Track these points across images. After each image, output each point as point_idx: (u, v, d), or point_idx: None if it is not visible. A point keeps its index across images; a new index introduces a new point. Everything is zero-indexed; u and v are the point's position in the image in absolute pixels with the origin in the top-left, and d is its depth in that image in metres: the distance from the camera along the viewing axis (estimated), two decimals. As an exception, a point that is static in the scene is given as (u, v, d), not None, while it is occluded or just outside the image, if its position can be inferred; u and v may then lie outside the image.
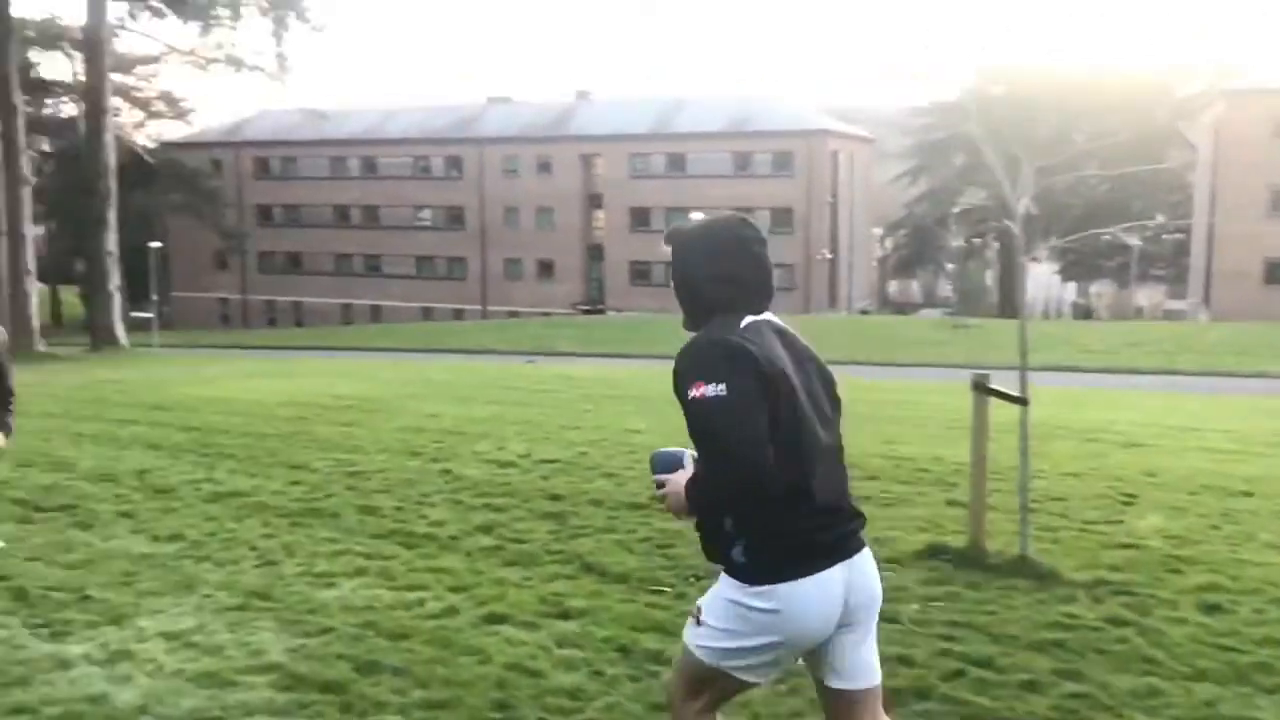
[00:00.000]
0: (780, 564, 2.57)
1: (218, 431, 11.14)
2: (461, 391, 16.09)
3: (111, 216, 28.70)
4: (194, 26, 32.07)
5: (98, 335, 29.84)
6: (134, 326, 37.16)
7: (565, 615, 4.97)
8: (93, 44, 29.35)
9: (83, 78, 52.27)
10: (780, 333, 2.70)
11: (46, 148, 52.20)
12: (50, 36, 44.67)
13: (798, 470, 2.55)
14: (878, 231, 65.93)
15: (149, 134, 61.17)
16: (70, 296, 60.90)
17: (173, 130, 65.24)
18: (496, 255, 58.58)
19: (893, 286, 73.89)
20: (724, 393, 2.46)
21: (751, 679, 2.72)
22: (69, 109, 56.32)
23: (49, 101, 55.55)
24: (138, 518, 7.13)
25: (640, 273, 55.41)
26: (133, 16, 29.91)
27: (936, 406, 14.16)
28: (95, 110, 29.66)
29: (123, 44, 41.42)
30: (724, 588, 2.66)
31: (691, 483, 2.60)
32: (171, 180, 49.14)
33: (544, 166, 57.27)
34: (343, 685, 4.13)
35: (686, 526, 6.33)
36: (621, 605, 5.08)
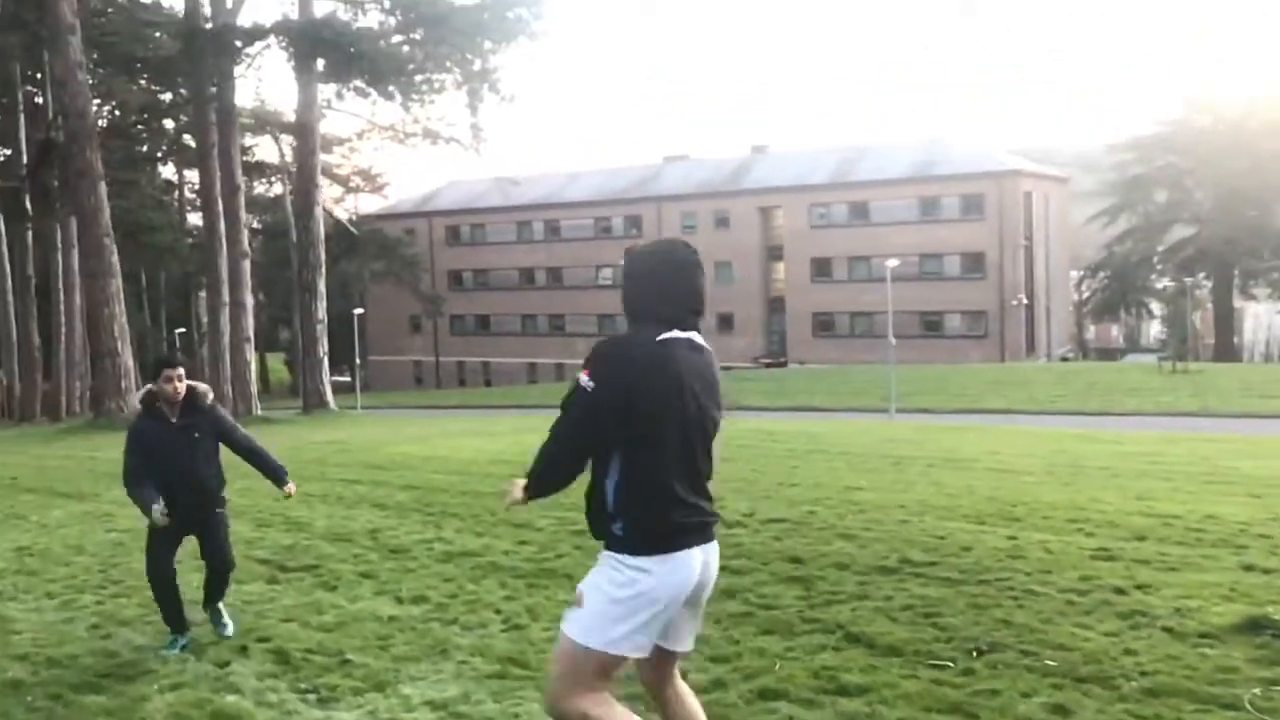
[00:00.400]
0: (654, 540, 3.05)
1: (438, 490, 11.27)
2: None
3: (321, 285, 30.32)
4: (391, 104, 33.87)
5: (309, 399, 31.40)
6: (335, 390, 39.02)
7: (844, 692, 4.56)
8: (304, 126, 31.29)
9: (289, 158, 56.31)
10: (695, 350, 3.17)
11: (256, 225, 56.09)
12: (262, 122, 48.20)
13: (671, 463, 3.08)
14: (1075, 274, 62.90)
15: (346, 208, 64.93)
16: (275, 363, 64.88)
17: (368, 203, 69.16)
18: (677, 311, 58.85)
19: (1090, 331, 70.12)
20: (591, 390, 3.02)
21: (633, 653, 3.09)
22: (275, 189, 60.61)
23: (258, 181, 59.90)
24: (378, 578, 7.13)
25: (823, 324, 54.56)
26: (340, 97, 31.71)
27: (1179, 459, 13.03)
28: (306, 186, 31.54)
29: (325, 125, 44.13)
30: (604, 565, 3.11)
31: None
32: (373, 249, 51.81)
33: (721, 221, 57.42)
34: (627, 767, 3.84)
35: (948, 593, 5.75)
36: (905, 682, 4.63)
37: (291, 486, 5.75)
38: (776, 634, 5.52)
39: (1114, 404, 27.20)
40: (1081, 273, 63.70)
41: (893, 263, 32.10)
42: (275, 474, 5.73)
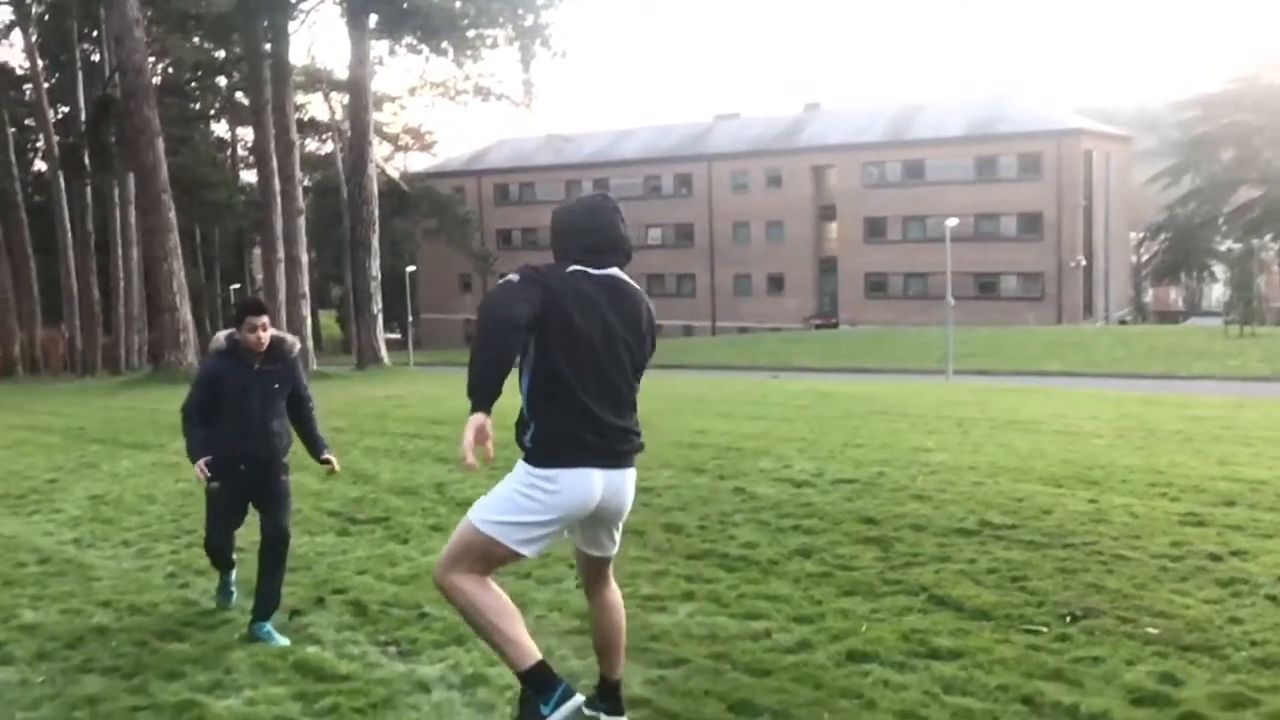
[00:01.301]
0: (556, 453, 3.25)
1: (498, 445, 11.15)
2: (717, 407, 15.79)
3: (375, 242, 30.41)
4: (442, 61, 33.69)
5: (363, 354, 31.62)
6: (387, 346, 39.27)
7: (936, 655, 4.42)
8: (356, 82, 31.24)
9: (339, 116, 56.40)
10: (611, 284, 3.40)
11: (307, 183, 56.39)
12: (313, 79, 48.28)
13: (579, 376, 3.26)
14: (1134, 236, 61.45)
15: (395, 166, 65.07)
16: (327, 320, 65.51)
17: (416, 162, 69.25)
18: (725, 271, 58.47)
19: (1148, 294, 68.60)
20: (515, 281, 3.26)
21: (524, 550, 3.33)
22: (326, 146, 60.85)
23: (309, 139, 60.16)
24: (448, 531, 7.00)
25: (876, 284, 53.85)
26: (392, 53, 31.60)
27: (1255, 423, 12.65)
28: (359, 143, 31.55)
29: (375, 83, 44.06)
30: (517, 470, 3.34)
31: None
32: (425, 207, 51.89)
33: (773, 180, 56.70)
34: (721, 727, 3.76)
35: (1032, 556, 5.58)
36: (999, 647, 4.48)
37: (334, 462, 5.26)
38: (858, 595, 5.40)
39: (1179, 367, 26.56)
40: (1141, 234, 62.17)
41: (952, 222, 31.42)
42: (317, 443, 5.27)
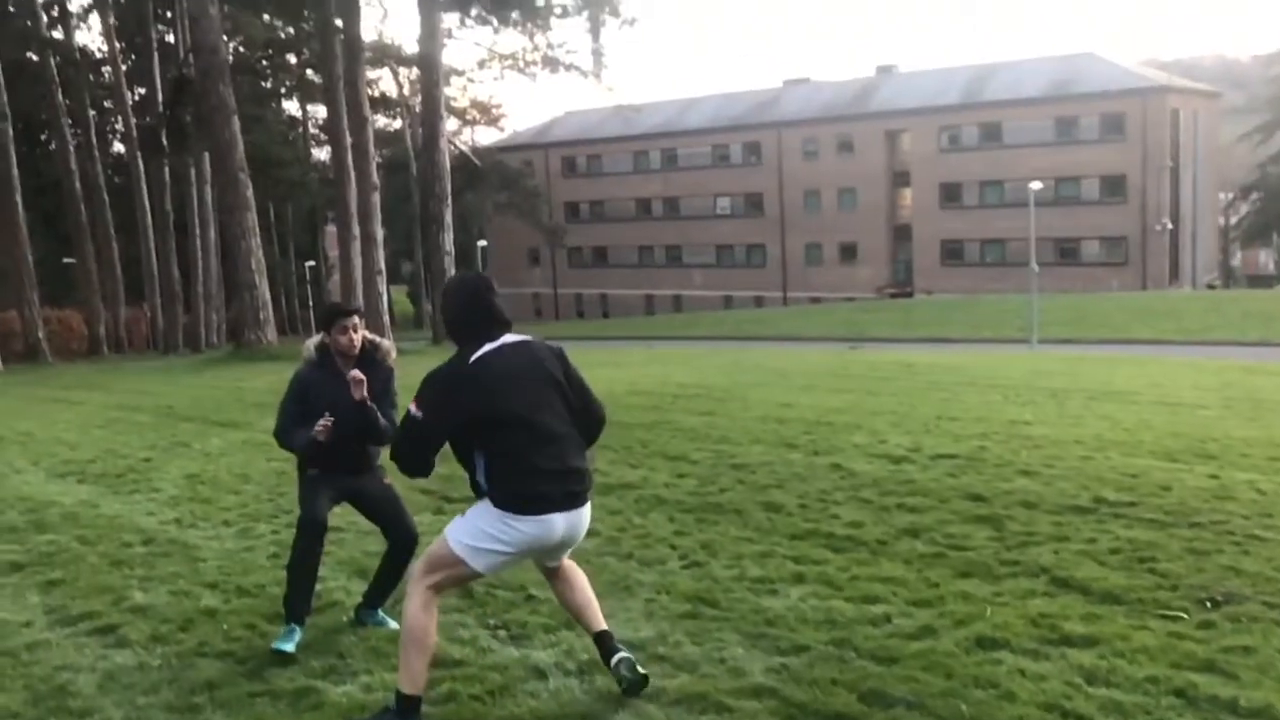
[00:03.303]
0: (520, 506, 3.64)
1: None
2: (799, 380, 15.51)
3: (448, 217, 30.47)
4: (510, 33, 33.60)
5: (438, 329, 31.79)
6: (462, 320, 39.46)
7: (1069, 642, 4.21)
8: (427, 56, 31.26)
9: (408, 92, 56.67)
10: (513, 349, 3.75)
11: (377, 159, 56.88)
12: (381, 55, 48.52)
13: (525, 445, 3.65)
14: (1224, 197, 59.30)
15: (464, 141, 65.27)
16: (398, 295, 66.20)
17: (484, 136, 69.38)
18: (796, 240, 57.79)
19: (1236, 258, 66.29)
20: (420, 419, 3.69)
21: (485, 571, 3.78)
22: (395, 123, 61.27)
23: (379, 115, 60.59)
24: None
25: (952, 252, 52.78)
26: (463, 24, 31.53)
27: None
28: (431, 118, 31.61)
29: (443, 57, 44.12)
30: (487, 504, 3.70)
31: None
32: (496, 181, 52.01)
33: (845, 146, 55.77)
34: (855, 719, 3.60)
35: (1158, 535, 5.26)
36: (1136, 634, 4.25)
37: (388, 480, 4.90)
38: (976, 577, 5.19)
39: (1277, 333, 25.56)
40: (1230, 195, 59.99)
41: (1036, 185, 30.52)
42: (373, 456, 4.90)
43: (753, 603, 4.89)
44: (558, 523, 3.68)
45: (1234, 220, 61.63)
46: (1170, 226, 47.87)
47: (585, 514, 3.82)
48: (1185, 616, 4.45)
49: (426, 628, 3.69)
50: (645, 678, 3.84)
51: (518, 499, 3.63)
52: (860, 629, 4.47)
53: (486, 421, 3.64)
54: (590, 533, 6.28)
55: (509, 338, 3.79)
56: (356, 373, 4.46)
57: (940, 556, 5.57)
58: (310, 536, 4.59)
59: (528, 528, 3.64)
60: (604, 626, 3.99)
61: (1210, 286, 51.39)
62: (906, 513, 6.57)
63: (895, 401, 12.20)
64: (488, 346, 3.71)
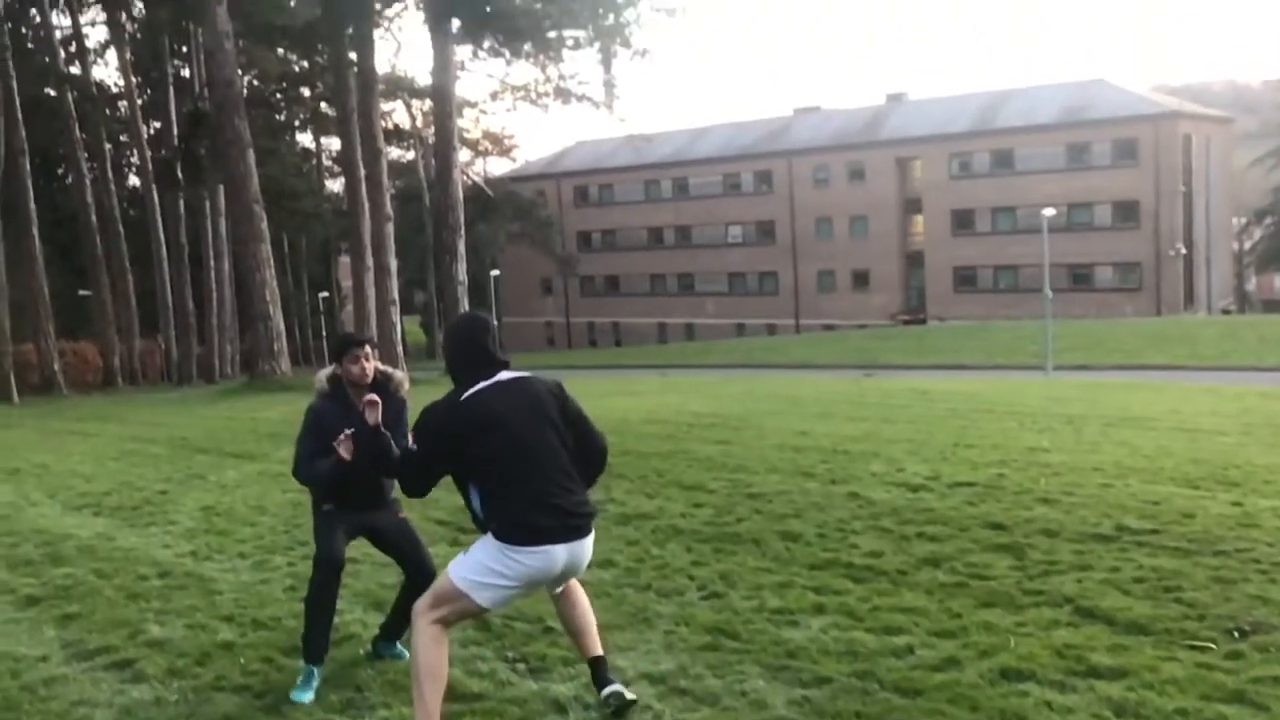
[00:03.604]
0: (520, 539, 3.68)
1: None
2: (814, 408, 15.44)
3: (461, 247, 30.57)
4: (523, 65, 33.78)
5: (450, 359, 31.79)
6: (476, 350, 39.48)
7: (1097, 674, 4.15)
8: (440, 88, 31.47)
9: (420, 123, 57.07)
10: (507, 386, 3.87)
11: (391, 190, 57.25)
12: (394, 87, 48.92)
13: (518, 480, 3.73)
14: (1238, 222, 59.11)
15: (476, 172, 65.71)
16: (410, 325, 66.40)
17: (495, 167, 69.83)
18: (809, 268, 57.80)
19: (1251, 282, 66.00)
20: (414, 452, 3.97)
21: (490, 606, 3.83)
22: (407, 154, 61.73)
23: (392, 146, 61.07)
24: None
25: (965, 278, 52.68)
26: (475, 56, 31.73)
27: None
28: (444, 149, 31.77)
29: (457, 88, 44.44)
30: (488, 539, 3.77)
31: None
32: (509, 212, 52.23)
33: (856, 174, 55.87)
34: (880, 755, 3.54)
35: (1182, 564, 5.20)
36: (1165, 665, 4.19)
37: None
38: (999, 607, 5.13)
39: (1291, 359, 25.37)
40: (1244, 220, 59.81)
41: (1049, 211, 30.47)
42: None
43: (773, 634, 4.84)
44: (559, 554, 3.73)
45: (1248, 245, 61.37)
46: (1184, 251, 47.72)
47: (587, 545, 3.87)
48: (1213, 647, 4.38)
49: (437, 662, 3.73)
50: (633, 701, 3.98)
51: (517, 531, 3.69)
52: (883, 660, 4.41)
53: (478, 456, 3.76)
54: (608, 563, 6.36)
55: (504, 375, 3.91)
56: (373, 396, 4.43)
57: (962, 586, 5.51)
58: (327, 574, 4.54)
59: (529, 560, 3.68)
60: (599, 652, 4.10)
61: (1225, 312, 51.12)
62: (926, 542, 6.51)
63: (912, 429, 12.12)
64: (481, 384, 3.84)
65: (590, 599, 5.50)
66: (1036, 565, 5.80)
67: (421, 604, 3.85)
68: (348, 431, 4.38)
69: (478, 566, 3.74)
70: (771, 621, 5.04)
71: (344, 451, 4.37)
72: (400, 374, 4.86)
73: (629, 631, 4.97)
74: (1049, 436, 10.98)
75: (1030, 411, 13.76)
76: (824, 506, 7.68)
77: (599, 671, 4.05)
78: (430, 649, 3.72)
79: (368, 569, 6.18)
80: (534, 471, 3.74)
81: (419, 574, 4.68)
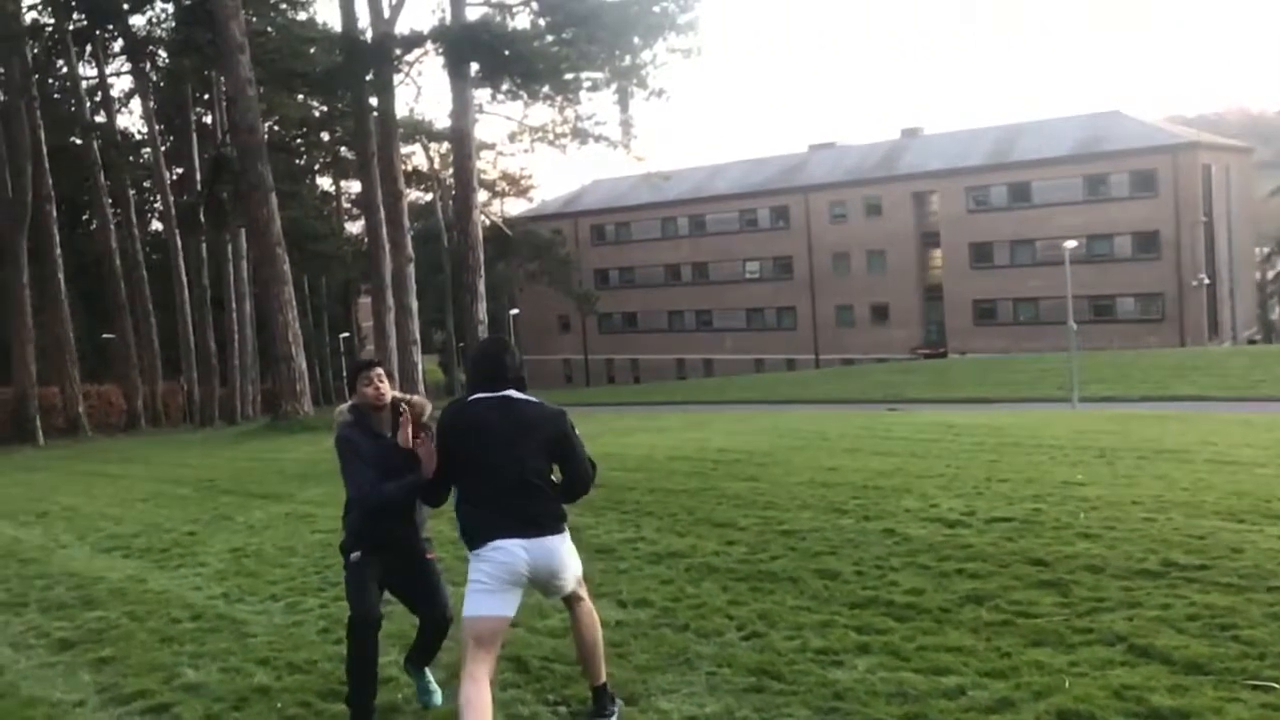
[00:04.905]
0: (477, 536, 4.03)
1: (624, 488, 11.02)
2: (842, 443, 15.31)
3: (481, 286, 30.70)
4: (540, 106, 34.10)
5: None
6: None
7: (1159, 716, 4.03)
8: (459, 131, 31.77)
9: (438, 165, 57.57)
10: (504, 403, 4.15)
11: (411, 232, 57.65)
12: (412, 130, 49.40)
13: (480, 489, 4.08)
14: (1260, 251, 58.76)
15: (493, 212, 66.16)
16: (430, 365, 66.61)
17: (513, 207, 70.26)
18: (827, 302, 57.74)
19: (1275, 312, 65.46)
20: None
21: (498, 612, 3.97)
22: (426, 196, 62.24)
23: (411, 189, 61.62)
24: (593, 580, 6.82)
25: (985, 311, 52.50)
26: (494, 100, 32.06)
27: None
28: (464, 191, 32.02)
29: (475, 130, 44.79)
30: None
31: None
32: (527, 251, 52.49)
33: (873, 208, 55.92)
34: (941, 801, 3.43)
35: (1236, 601, 5.07)
36: (1230, 706, 4.06)
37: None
38: (1048, 645, 5.00)
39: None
40: (1266, 249, 59.47)
41: (1071, 244, 30.37)
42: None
43: (819, 675, 4.73)
44: (517, 549, 3.96)
45: (1270, 275, 60.97)
46: (1208, 281, 47.43)
47: (553, 545, 4.06)
48: (1276, 686, 4.25)
49: (478, 700, 3.79)
50: None
51: (472, 530, 4.04)
52: (934, 702, 4.30)
53: (454, 456, 4.12)
54: (643, 603, 6.28)
55: (510, 392, 4.17)
56: (407, 414, 4.42)
57: (1008, 624, 5.39)
58: (364, 634, 4.43)
59: (493, 554, 3.95)
60: (603, 681, 4.31)
61: (1251, 341, 50.68)
62: (967, 579, 6.38)
63: (942, 464, 11.98)
64: (484, 395, 4.16)
65: (628, 638, 5.46)
66: (1084, 602, 5.67)
67: (463, 650, 3.99)
68: (425, 439, 4.33)
69: (467, 590, 4.00)
70: (816, 662, 4.94)
71: (427, 458, 4.26)
72: (420, 399, 4.77)
73: (670, 673, 4.87)
74: (1082, 470, 10.82)
75: (1060, 444, 13.59)
76: (859, 543, 7.57)
77: (600, 701, 4.26)
78: (468, 688, 3.80)
79: (401, 610, 6.09)
80: (496, 481, 4.03)
81: (433, 620, 4.63)
